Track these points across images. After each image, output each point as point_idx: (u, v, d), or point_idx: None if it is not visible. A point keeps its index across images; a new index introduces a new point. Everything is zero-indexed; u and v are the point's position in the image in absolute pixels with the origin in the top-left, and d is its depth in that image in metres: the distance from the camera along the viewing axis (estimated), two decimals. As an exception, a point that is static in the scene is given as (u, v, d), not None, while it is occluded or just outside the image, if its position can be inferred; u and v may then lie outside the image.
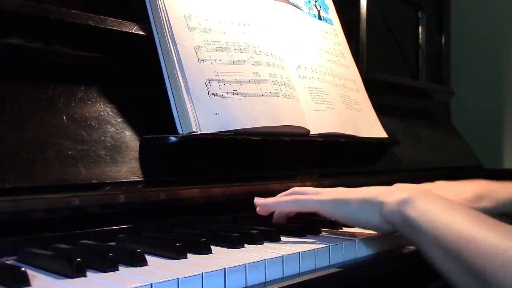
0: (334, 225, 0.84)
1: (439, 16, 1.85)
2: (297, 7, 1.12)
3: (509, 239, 0.58)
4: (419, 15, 1.75)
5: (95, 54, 0.83)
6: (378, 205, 0.72)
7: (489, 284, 0.57)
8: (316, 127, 0.99)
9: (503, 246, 0.57)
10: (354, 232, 0.81)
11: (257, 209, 0.82)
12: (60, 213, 0.69)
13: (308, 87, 1.03)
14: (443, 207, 0.67)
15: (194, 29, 0.86)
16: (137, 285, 0.50)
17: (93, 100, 0.79)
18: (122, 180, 0.75)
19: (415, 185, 0.77)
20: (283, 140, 0.91)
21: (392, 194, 0.71)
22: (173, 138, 0.78)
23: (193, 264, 0.59)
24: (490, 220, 0.64)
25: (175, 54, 0.82)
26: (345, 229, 0.84)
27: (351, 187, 0.79)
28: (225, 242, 0.70)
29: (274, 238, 0.74)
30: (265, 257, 0.62)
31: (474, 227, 0.61)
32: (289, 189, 0.84)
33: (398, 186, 0.75)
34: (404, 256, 0.78)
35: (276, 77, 0.93)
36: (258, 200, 0.83)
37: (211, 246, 0.66)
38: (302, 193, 0.81)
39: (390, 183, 1.06)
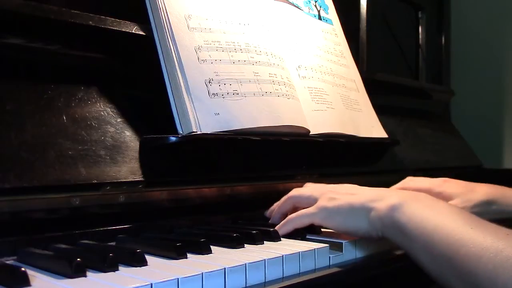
0: None
1: (439, 16, 1.85)
2: (297, 7, 1.12)
3: (499, 241, 0.58)
4: (419, 15, 1.75)
5: (95, 54, 0.83)
6: (367, 211, 0.71)
7: None
8: (316, 127, 0.99)
9: (494, 248, 0.57)
10: None
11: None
12: (60, 213, 0.69)
13: (308, 87, 1.03)
14: (433, 211, 0.66)
15: (194, 29, 0.86)
16: (137, 285, 0.50)
17: (93, 100, 0.79)
18: (122, 180, 0.75)
19: (405, 191, 0.76)
20: (283, 140, 0.91)
21: (383, 199, 0.70)
22: (173, 138, 0.78)
23: (193, 264, 0.59)
24: (480, 221, 0.63)
25: (175, 54, 0.82)
26: None
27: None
28: (225, 242, 0.70)
29: (274, 238, 0.74)
30: (265, 257, 0.62)
31: (464, 230, 0.61)
32: (288, 190, 0.84)
33: (390, 191, 0.73)
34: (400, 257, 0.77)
35: (276, 77, 0.93)
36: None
37: (211, 246, 0.66)
38: (298, 197, 0.82)
39: (390, 183, 1.06)
